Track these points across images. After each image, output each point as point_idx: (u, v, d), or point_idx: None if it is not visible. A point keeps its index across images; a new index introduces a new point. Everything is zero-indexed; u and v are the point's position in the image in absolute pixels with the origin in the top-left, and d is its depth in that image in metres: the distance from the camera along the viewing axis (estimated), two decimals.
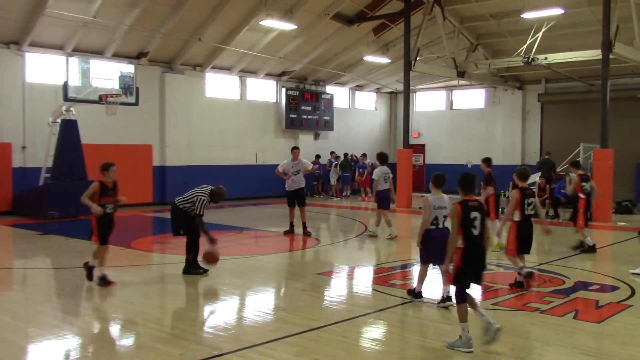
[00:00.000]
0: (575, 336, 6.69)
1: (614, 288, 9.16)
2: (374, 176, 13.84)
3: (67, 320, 7.38)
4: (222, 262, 11.32)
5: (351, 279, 10.00)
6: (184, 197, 9.90)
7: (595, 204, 17.54)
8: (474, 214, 6.21)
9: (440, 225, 7.85)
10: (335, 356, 6.00)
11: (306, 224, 14.32)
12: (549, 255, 12.51)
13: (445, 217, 7.74)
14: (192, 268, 9.85)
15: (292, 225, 14.47)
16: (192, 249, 9.91)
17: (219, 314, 7.90)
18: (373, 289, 9.15)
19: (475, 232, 6.22)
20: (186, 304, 8.51)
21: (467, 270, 6.22)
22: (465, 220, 6.18)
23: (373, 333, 7.02)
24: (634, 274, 9.90)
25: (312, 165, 15.09)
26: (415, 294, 8.20)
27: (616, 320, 7.34)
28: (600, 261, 12.01)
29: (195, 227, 9.77)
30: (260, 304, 8.34)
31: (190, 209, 9.70)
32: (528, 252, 9.14)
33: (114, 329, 7.09)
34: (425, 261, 8.15)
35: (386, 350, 6.38)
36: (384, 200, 13.77)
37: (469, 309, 6.26)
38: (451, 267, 6.29)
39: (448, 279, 6.46)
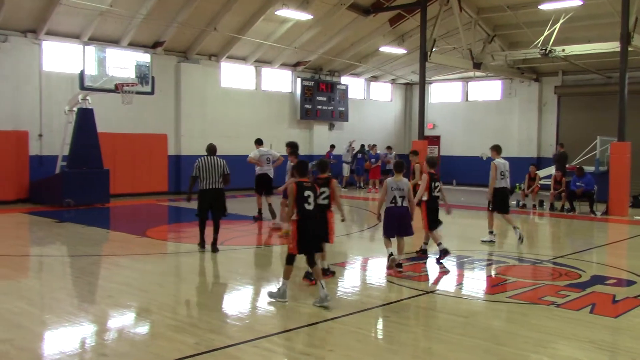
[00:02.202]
0: (591, 331, 6.63)
1: (631, 283, 9.07)
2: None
3: (83, 307, 7.43)
4: (235, 251, 11.37)
5: (365, 270, 9.99)
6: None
7: (612, 198, 17.47)
8: (307, 192, 7.49)
9: (399, 204, 9.20)
10: (349, 347, 6.00)
11: (261, 209, 14.98)
12: (564, 248, 12.43)
13: (402, 197, 9.18)
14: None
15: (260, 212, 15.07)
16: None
17: (233, 304, 7.92)
18: (387, 281, 9.13)
19: (309, 207, 7.50)
20: (201, 293, 8.53)
21: (302, 238, 7.42)
22: (299, 197, 7.43)
23: (386, 325, 7.00)
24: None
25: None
26: (398, 264, 9.32)
27: (633, 315, 7.27)
28: (616, 255, 11.91)
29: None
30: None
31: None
32: (436, 228, 10.38)
33: (129, 317, 7.13)
34: (387, 234, 9.40)
35: (399, 341, 6.36)
36: None
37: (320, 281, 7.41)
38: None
39: (288, 248, 7.64)
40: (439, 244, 10.06)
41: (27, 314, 7.02)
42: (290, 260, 7.62)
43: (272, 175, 14.92)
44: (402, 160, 9.54)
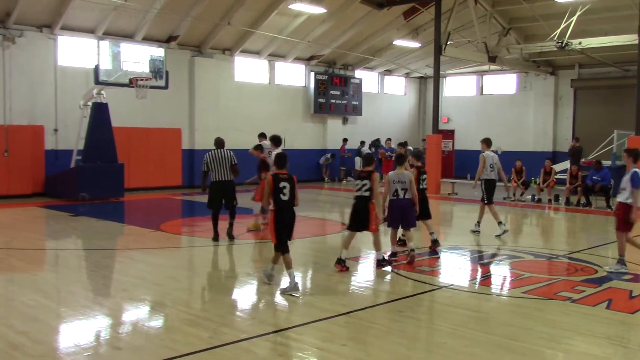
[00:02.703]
0: (607, 326, 6.57)
1: None
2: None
3: (98, 301, 7.47)
4: (249, 246, 11.39)
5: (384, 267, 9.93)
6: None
7: None
8: (283, 183, 7.80)
9: (401, 196, 9.40)
10: (363, 342, 5.99)
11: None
12: (580, 243, 12.32)
13: (404, 189, 9.37)
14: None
15: None
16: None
17: (247, 298, 7.93)
18: (401, 275, 9.10)
19: (284, 197, 7.82)
20: (214, 287, 8.55)
21: (279, 226, 7.78)
22: (275, 188, 7.76)
23: (401, 319, 6.98)
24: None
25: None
26: (392, 254, 9.69)
27: None
28: (633, 251, 11.75)
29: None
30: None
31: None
32: (425, 219, 10.69)
33: (143, 311, 7.16)
34: (392, 226, 9.67)
35: (413, 336, 6.34)
36: None
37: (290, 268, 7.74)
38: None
39: (271, 236, 7.95)
40: (407, 242, 9.87)
41: (43, 307, 7.07)
42: (279, 246, 7.94)
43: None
44: (403, 154, 9.95)
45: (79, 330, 6.32)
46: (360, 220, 8.98)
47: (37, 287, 8.04)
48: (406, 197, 9.42)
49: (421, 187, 10.57)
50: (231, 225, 11.25)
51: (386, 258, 9.38)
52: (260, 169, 12.21)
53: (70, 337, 6.16)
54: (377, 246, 9.19)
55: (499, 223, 12.20)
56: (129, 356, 5.47)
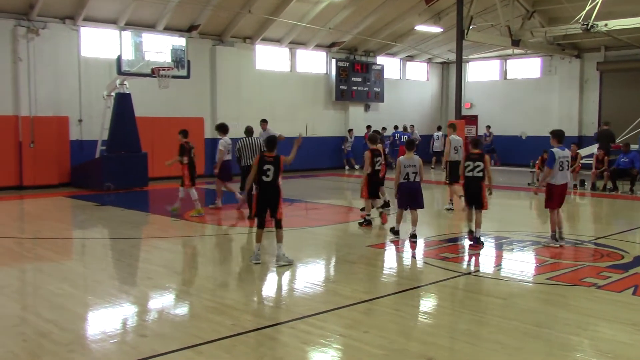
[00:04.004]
0: (634, 312, 6.48)
1: None
2: (220, 146, 13.89)
3: (123, 289, 7.57)
4: (272, 233, 11.43)
5: (402, 252, 9.92)
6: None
7: None
8: (267, 166, 8.42)
9: (411, 179, 10.11)
10: (386, 329, 5.98)
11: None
12: (607, 229, 12.16)
13: (415, 173, 10.09)
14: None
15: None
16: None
17: (270, 285, 7.97)
18: (424, 262, 9.07)
19: (267, 179, 8.44)
20: (237, 275, 8.61)
21: (260, 205, 8.49)
22: (260, 169, 8.40)
23: (424, 306, 6.97)
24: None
25: (278, 134, 15.65)
26: (394, 232, 10.47)
27: None
28: None
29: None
30: (311, 275, 8.38)
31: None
32: (377, 197, 11.97)
33: (168, 299, 7.24)
34: (401, 206, 10.41)
35: (437, 323, 6.32)
36: (226, 171, 14.08)
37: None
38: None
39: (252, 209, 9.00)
40: (368, 214, 11.61)
41: (70, 296, 7.19)
42: (260, 224, 8.59)
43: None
44: (413, 139, 10.91)
45: (105, 318, 6.42)
46: (474, 199, 9.86)
47: (64, 275, 8.17)
48: (416, 180, 10.15)
49: (375, 168, 11.55)
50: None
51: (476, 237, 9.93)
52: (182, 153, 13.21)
53: (97, 325, 6.25)
54: (478, 224, 9.86)
55: (450, 201, 13.89)
56: (154, 343, 5.54)
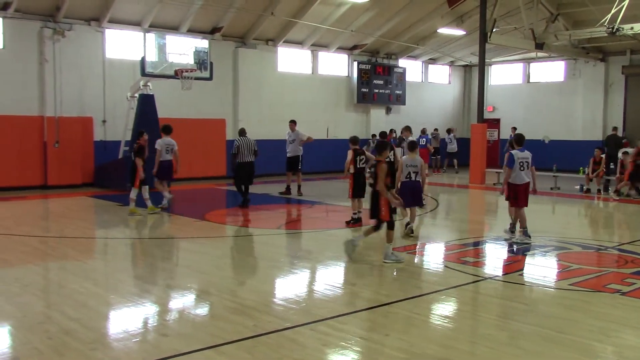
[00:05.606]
0: None
1: None
2: (157, 146, 13.97)
3: (145, 288, 7.64)
4: (293, 235, 11.46)
5: (422, 255, 9.89)
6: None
7: None
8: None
9: (413, 178, 10.68)
10: (406, 332, 5.97)
11: (300, 186, 17.06)
12: (632, 235, 12.00)
13: (416, 172, 10.65)
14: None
15: (288, 187, 16.97)
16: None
17: (291, 287, 7.98)
18: (445, 266, 9.03)
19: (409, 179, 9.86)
20: (258, 276, 8.64)
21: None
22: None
23: (444, 310, 6.93)
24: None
25: (307, 136, 17.17)
26: (407, 226, 10.91)
27: None
28: None
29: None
30: (331, 277, 8.39)
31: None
32: (362, 196, 11.93)
33: (189, 299, 7.29)
34: (405, 205, 10.57)
35: (457, 327, 6.29)
36: (164, 170, 14.14)
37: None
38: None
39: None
40: (354, 213, 11.89)
41: (93, 294, 7.27)
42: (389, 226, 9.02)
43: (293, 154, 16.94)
44: (415, 141, 11.57)
45: (128, 317, 6.48)
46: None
47: (88, 275, 8.27)
48: (417, 179, 10.72)
49: (358, 166, 11.82)
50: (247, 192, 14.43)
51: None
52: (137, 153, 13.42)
53: (119, 324, 6.32)
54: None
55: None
56: (175, 343, 5.58)
